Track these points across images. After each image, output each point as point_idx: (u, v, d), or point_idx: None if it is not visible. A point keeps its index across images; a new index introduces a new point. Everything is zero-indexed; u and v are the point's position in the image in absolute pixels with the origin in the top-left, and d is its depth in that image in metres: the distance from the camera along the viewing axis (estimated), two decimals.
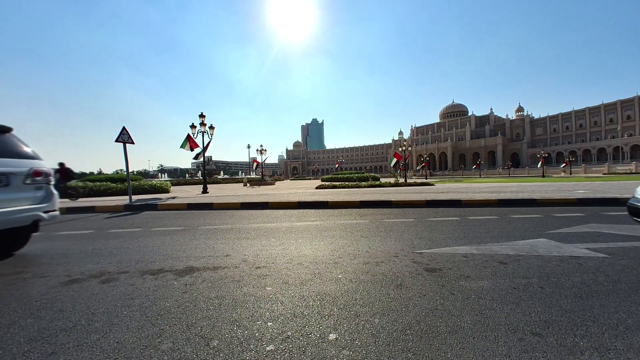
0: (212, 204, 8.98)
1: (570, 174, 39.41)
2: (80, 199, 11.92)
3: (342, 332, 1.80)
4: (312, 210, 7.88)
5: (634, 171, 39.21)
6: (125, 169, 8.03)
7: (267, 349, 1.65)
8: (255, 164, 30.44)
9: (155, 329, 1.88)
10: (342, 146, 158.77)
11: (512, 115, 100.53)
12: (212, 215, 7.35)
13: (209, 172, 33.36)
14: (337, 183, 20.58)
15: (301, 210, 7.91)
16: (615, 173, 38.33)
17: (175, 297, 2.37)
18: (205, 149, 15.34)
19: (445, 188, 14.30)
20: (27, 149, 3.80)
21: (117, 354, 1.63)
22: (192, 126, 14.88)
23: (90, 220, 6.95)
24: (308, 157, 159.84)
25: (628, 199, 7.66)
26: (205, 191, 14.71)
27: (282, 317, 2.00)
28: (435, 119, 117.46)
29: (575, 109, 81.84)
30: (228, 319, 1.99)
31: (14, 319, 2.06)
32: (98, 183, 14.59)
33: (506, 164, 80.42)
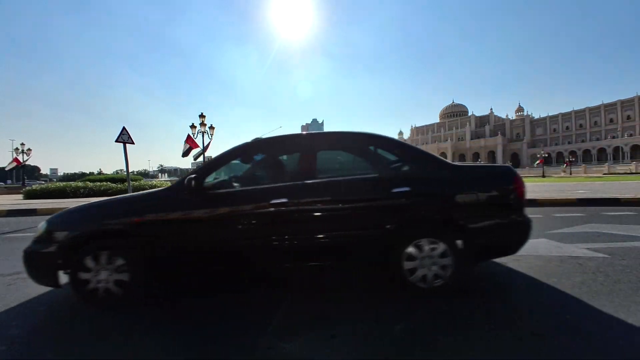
0: None
1: (571, 174, 39.32)
2: (81, 199, 11.92)
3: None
4: None
5: (634, 171, 39.11)
6: (125, 169, 8.05)
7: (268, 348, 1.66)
8: None
9: None
10: None
11: (512, 115, 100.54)
12: None
13: None
14: None
15: None
16: (615, 173, 38.25)
17: None
18: (205, 149, 15.36)
19: None
20: None
21: (118, 354, 1.63)
22: (192, 126, 14.91)
23: None
24: None
25: (629, 199, 7.50)
26: None
27: None
28: (435, 119, 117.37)
29: (575, 109, 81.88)
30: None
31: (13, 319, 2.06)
32: (98, 183, 14.61)
33: (506, 164, 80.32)
